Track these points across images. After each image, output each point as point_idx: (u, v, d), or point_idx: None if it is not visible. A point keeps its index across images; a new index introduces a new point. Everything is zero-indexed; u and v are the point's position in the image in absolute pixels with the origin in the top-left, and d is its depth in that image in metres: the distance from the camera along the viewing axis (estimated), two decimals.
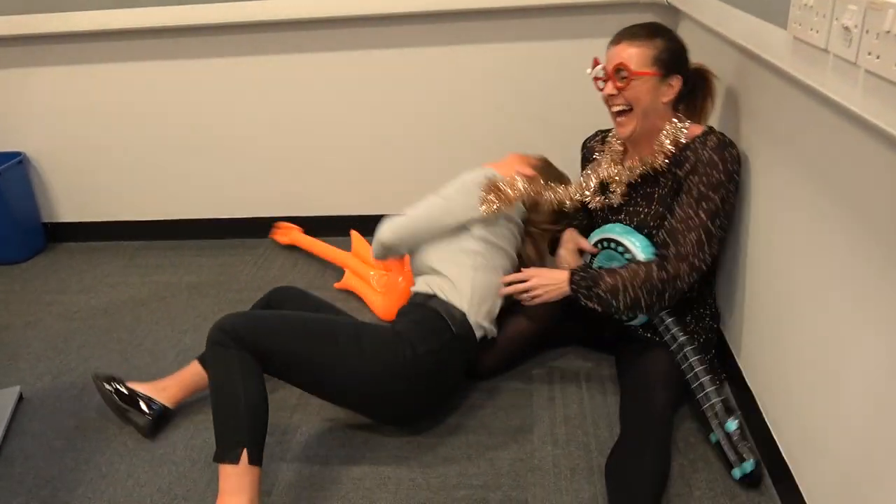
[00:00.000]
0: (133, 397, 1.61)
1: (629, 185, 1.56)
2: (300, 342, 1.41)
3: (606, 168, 1.59)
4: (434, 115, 2.36)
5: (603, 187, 1.61)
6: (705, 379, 1.45)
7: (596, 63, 1.51)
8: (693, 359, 1.47)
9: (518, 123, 2.34)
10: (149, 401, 1.61)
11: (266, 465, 1.51)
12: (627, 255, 1.50)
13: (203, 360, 1.65)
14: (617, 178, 1.56)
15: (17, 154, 2.53)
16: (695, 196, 1.41)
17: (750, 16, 1.30)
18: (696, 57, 1.51)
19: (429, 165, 2.44)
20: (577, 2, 2.10)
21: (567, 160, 1.83)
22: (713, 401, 1.43)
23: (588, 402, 1.65)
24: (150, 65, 2.39)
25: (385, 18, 2.22)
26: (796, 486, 1.25)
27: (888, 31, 0.78)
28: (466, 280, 1.58)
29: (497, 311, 1.66)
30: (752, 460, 1.36)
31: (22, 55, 2.41)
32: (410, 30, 2.23)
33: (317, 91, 2.37)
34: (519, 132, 2.35)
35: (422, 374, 1.48)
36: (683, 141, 1.46)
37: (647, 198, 1.54)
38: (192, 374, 1.66)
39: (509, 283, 1.60)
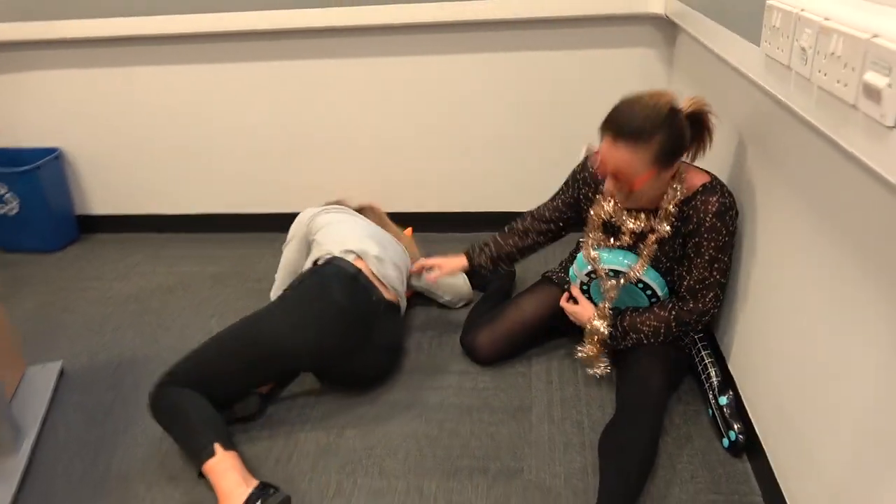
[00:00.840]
0: None
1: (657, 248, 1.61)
2: (212, 352, 1.63)
3: (611, 211, 1.64)
4: (447, 117, 2.50)
5: (608, 227, 1.68)
6: (709, 361, 1.63)
7: (590, 150, 1.54)
8: (700, 343, 1.65)
9: (522, 127, 2.47)
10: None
11: (287, 435, 1.66)
12: (649, 292, 1.63)
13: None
14: (627, 226, 1.61)
15: (54, 150, 2.70)
16: (707, 259, 1.52)
17: (733, 33, 1.44)
18: (688, 70, 1.64)
19: (441, 164, 2.58)
20: (582, 15, 2.23)
21: (567, 163, 1.96)
22: (712, 379, 1.60)
23: (583, 385, 1.78)
24: (178, 69, 2.54)
25: (404, 27, 2.36)
26: (769, 463, 1.38)
27: (832, 53, 0.91)
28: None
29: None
30: (737, 430, 1.50)
31: (60, 58, 2.57)
32: (427, 39, 2.37)
33: (334, 94, 2.51)
34: (523, 134, 2.49)
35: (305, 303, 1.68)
36: (682, 197, 1.52)
37: (663, 249, 1.60)
38: None
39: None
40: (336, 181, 2.66)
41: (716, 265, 1.53)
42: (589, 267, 1.67)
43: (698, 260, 1.53)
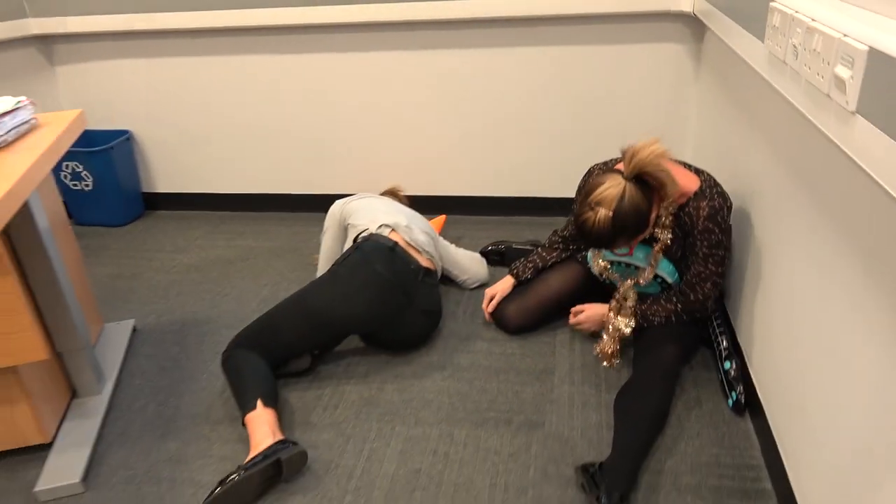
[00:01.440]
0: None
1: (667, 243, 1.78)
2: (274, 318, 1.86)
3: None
4: (488, 108, 2.67)
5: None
6: (719, 331, 1.81)
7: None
8: (713, 315, 1.84)
9: (558, 117, 2.63)
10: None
11: (334, 387, 1.86)
12: (658, 279, 1.83)
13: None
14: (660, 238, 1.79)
15: (126, 132, 2.95)
16: (701, 256, 1.70)
17: (744, 30, 1.57)
18: (714, 64, 1.77)
19: (480, 152, 2.75)
20: (616, 12, 2.36)
21: (600, 153, 2.11)
22: (721, 346, 1.78)
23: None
24: (239, 59, 2.76)
25: (449, 23, 2.53)
26: (768, 423, 1.53)
27: (814, 49, 1.05)
28: None
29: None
30: (738, 391, 1.67)
31: (132, 48, 2.82)
32: (470, 34, 2.54)
33: (383, 85, 2.70)
34: (558, 124, 2.64)
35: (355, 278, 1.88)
36: (677, 205, 1.69)
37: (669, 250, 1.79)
38: None
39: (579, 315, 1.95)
40: (382, 165, 2.85)
41: (710, 260, 1.70)
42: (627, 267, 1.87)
43: (694, 258, 1.71)
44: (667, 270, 1.80)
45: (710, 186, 1.68)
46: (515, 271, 2.10)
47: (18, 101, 1.71)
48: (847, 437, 1.12)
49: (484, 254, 2.43)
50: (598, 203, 1.57)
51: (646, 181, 1.59)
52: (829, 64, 0.99)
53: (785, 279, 1.44)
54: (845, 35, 0.95)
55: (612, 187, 1.56)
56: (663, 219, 1.71)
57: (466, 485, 1.53)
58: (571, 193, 1.99)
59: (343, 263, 1.93)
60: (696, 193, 1.68)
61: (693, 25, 2.38)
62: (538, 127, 2.66)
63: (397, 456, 1.62)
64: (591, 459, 1.56)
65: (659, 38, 2.43)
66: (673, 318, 1.79)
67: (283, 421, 1.73)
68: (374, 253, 1.92)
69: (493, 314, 2.09)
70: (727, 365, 1.73)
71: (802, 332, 1.33)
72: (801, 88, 1.14)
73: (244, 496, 1.50)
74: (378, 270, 1.87)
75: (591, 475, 1.46)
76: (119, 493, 1.57)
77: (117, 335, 2.12)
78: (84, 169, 2.85)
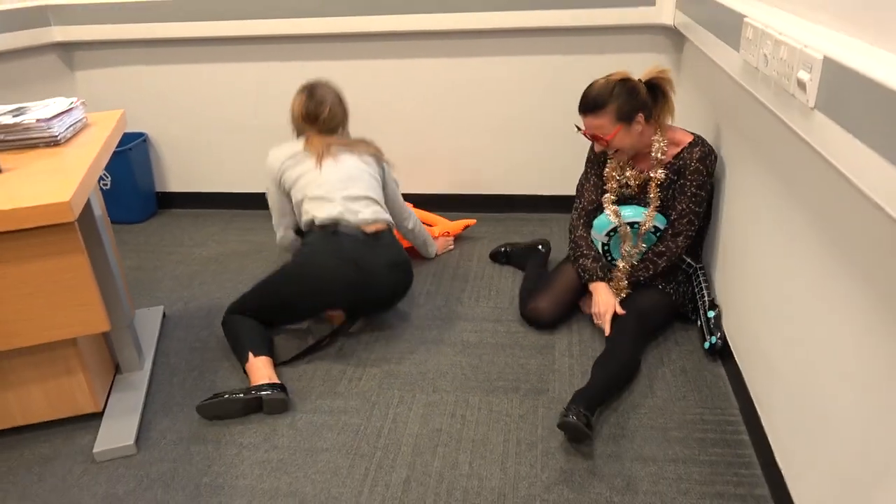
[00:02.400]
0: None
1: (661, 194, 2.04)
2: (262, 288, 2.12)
3: (622, 171, 2.08)
4: (492, 109, 2.88)
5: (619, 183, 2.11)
6: (704, 284, 2.07)
7: (580, 130, 2.00)
8: (700, 272, 2.11)
9: (553, 120, 2.85)
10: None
11: (357, 363, 2.05)
12: (659, 234, 2.07)
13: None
14: (632, 181, 2.06)
15: (142, 134, 3.11)
16: (688, 195, 1.98)
17: (721, 41, 1.80)
18: (693, 71, 2.01)
19: (485, 153, 2.97)
20: (604, 24, 2.60)
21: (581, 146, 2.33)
22: (705, 297, 2.03)
23: (599, 331, 2.15)
24: (249, 65, 2.95)
25: (452, 33, 2.75)
26: (738, 368, 1.76)
27: (781, 57, 1.28)
28: None
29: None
30: (717, 335, 1.94)
31: (148, 55, 2.99)
32: (469, 43, 2.76)
33: (393, 89, 2.90)
34: (554, 124, 2.86)
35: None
36: (668, 149, 1.99)
37: (667, 194, 2.03)
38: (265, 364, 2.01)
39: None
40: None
41: (694, 199, 1.98)
42: (608, 227, 2.08)
43: (682, 196, 1.98)
44: (663, 224, 2.06)
45: (701, 140, 2.00)
46: (594, 275, 2.12)
47: (72, 102, 1.89)
48: (814, 385, 1.34)
49: (492, 256, 2.61)
50: (617, 73, 1.94)
51: (653, 90, 1.95)
52: (793, 69, 1.22)
53: (750, 241, 1.67)
54: (806, 46, 1.18)
55: (625, 73, 1.94)
56: (656, 155, 1.99)
57: (483, 441, 1.73)
58: (564, 191, 2.21)
59: (310, 245, 2.09)
60: (690, 143, 1.99)
61: (674, 37, 2.62)
62: (533, 129, 2.89)
63: (419, 419, 1.82)
64: (592, 418, 1.77)
65: (643, 48, 2.67)
66: (665, 263, 2.04)
67: (312, 390, 1.92)
68: (320, 243, 2.06)
69: (525, 311, 2.17)
70: (710, 313, 1.99)
71: (770, 301, 1.56)
72: (771, 90, 1.37)
73: (227, 412, 1.85)
74: (324, 263, 2.03)
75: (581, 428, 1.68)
76: (168, 453, 1.74)
77: (149, 320, 2.29)
78: (103, 169, 3.00)
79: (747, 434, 1.70)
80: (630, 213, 2.07)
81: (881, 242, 1.06)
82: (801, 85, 1.18)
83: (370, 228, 2.10)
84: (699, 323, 2.06)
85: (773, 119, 1.53)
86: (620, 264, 2.11)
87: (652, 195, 2.03)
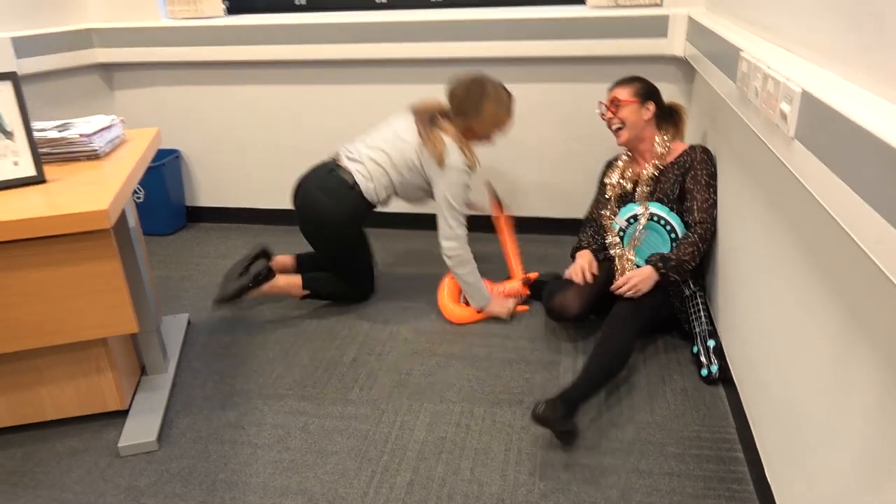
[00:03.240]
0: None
1: (651, 186, 2.23)
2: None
3: (626, 171, 2.31)
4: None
5: (621, 197, 2.31)
6: (703, 311, 2.13)
7: (600, 104, 2.28)
8: (699, 297, 2.17)
9: (569, 143, 2.95)
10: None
11: (367, 373, 2.14)
12: (668, 227, 2.18)
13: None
14: (639, 177, 2.27)
15: (175, 151, 3.28)
16: (704, 184, 2.16)
17: (722, 73, 1.89)
18: (701, 101, 2.09)
19: (500, 176, 3.07)
20: (619, 55, 2.70)
21: (592, 171, 2.43)
22: (703, 324, 2.09)
23: None
24: (277, 88, 3.10)
25: (476, 61, 2.87)
26: (740, 401, 1.81)
27: (768, 90, 1.36)
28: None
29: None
30: (717, 365, 2.00)
31: (182, 76, 3.16)
32: (492, 70, 2.88)
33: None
34: (568, 148, 2.96)
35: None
36: (669, 149, 2.23)
37: (664, 189, 2.20)
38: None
39: (620, 286, 2.12)
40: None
41: (711, 188, 2.16)
42: (626, 215, 2.25)
43: (698, 186, 2.13)
44: (674, 219, 2.17)
45: (703, 147, 2.22)
46: (582, 246, 2.38)
47: (112, 119, 2.03)
48: (804, 409, 1.40)
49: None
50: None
51: (671, 112, 2.30)
52: (777, 101, 1.30)
53: (744, 263, 1.73)
54: (788, 80, 1.26)
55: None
56: (659, 148, 2.22)
57: (485, 449, 1.80)
58: (575, 214, 2.30)
59: None
60: (691, 146, 2.23)
61: (684, 68, 2.71)
62: (548, 154, 2.98)
63: (425, 427, 1.90)
64: (589, 434, 1.84)
65: (655, 78, 2.73)
66: (697, 253, 2.10)
67: (326, 397, 2.02)
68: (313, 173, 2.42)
69: (553, 303, 2.20)
70: (711, 343, 2.05)
71: (765, 325, 1.62)
72: (760, 119, 1.45)
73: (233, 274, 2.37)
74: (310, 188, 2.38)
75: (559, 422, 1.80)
76: (188, 450, 1.84)
77: (175, 326, 2.41)
78: (138, 183, 3.16)
79: (742, 452, 1.75)
80: (626, 210, 2.27)
81: (859, 271, 1.13)
82: (784, 116, 1.26)
83: (341, 164, 2.35)
84: (695, 349, 2.10)
85: (764, 147, 1.61)
86: (627, 254, 2.23)
87: (644, 187, 2.23)
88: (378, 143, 2.35)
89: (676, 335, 2.25)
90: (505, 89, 2.30)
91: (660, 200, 2.20)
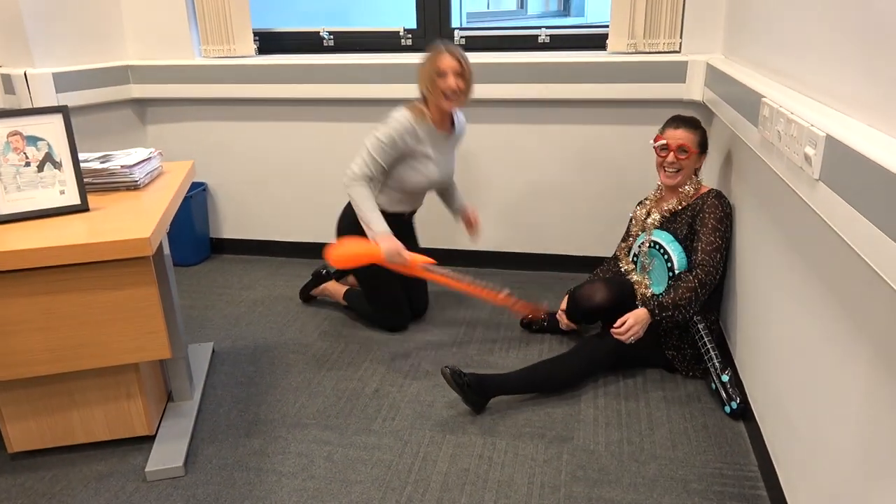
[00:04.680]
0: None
1: (665, 217, 2.33)
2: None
3: (652, 207, 2.43)
4: (531, 173, 3.06)
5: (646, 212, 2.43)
6: (711, 346, 2.15)
7: (659, 138, 2.30)
8: (703, 332, 2.20)
9: (589, 188, 3.01)
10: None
11: (390, 405, 2.17)
12: (665, 256, 2.24)
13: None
14: (659, 208, 2.37)
15: (202, 184, 3.36)
16: (710, 228, 2.18)
17: (742, 117, 1.95)
18: (718, 144, 2.15)
19: (518, 213, 3.13)
20: (639, 98, 2.78)
21: (619, 211, 2.47)
22: (714, 360, 2.12)
23: (622, 383, 2.24)
24: (300, 125, 3.19)
25: (497, 102, 2.95)
26: (762, 437, 1.82)
27: (792, 135, 1.42)
28: None
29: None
30: (737, 400, 2.01)
31: (211, 112, 3.26)
32: (514, 112, 2.96)
33: None
34: (587, 188, 3.02)
35: None
36: (695, 190, 2.30)
37: (674, 224, 2.29)
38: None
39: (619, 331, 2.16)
40: (424, 222, 3.22)
41: (718, 232, 2.18)
42: (639, 242, 2.37)
43: (704, 229, 2.17)
44: (675, 251, 2.23)
45: (718, 191, 2.28)
46: (592, 277, 2.55)
47: (150, 152, 2.11)
48: (831, 447, 1.42)
49: (525, 325, 2.65)
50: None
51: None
52: (801, 145, 1.35)
53: (775, 314, 1.76)
54: (812, 125, 1.32)
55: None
56: (685, 190, 2.30)
57: (508, 482, 1.82)
58: (592, 252, 2.36)
59: None
60: (708, 191, 2.29)
61: (702, 112, 2.78)
62: (568, 193, 3.04)
63: (448, 458, 1.92)
64: (612, 469, 1.85)
65: (685, 117, 2.82)
66: (693, 298, 2.12)
67: (349, 427, 2.05)
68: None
69: (581, 291, 2.31)
70: (724, 378, 2.08)
71: (788, 362, 1.65)
72: (784, 162, 1.50)
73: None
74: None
75: (456, 378, 2.06)
76: (214, 477, 1.86)
77: (200, 354, 2.45)
78: None
79: (765, 490, 1.76)
80: (641, 237, 2.39)
81: (886, 309, 1.16)
82: (808, 159, 1.31)
83: None
84: (713, 385, 2.12)
85: (786, 189, 1.66)
86: (644, 280, 2.35)
87: (657, 215, 2.34)
88: None
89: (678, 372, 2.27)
90: (438, 49, 2.39)
91: (670, 232, 2.29)
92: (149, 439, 1.99)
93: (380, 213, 2.42)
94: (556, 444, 1.96)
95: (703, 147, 2.29)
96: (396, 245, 2.35)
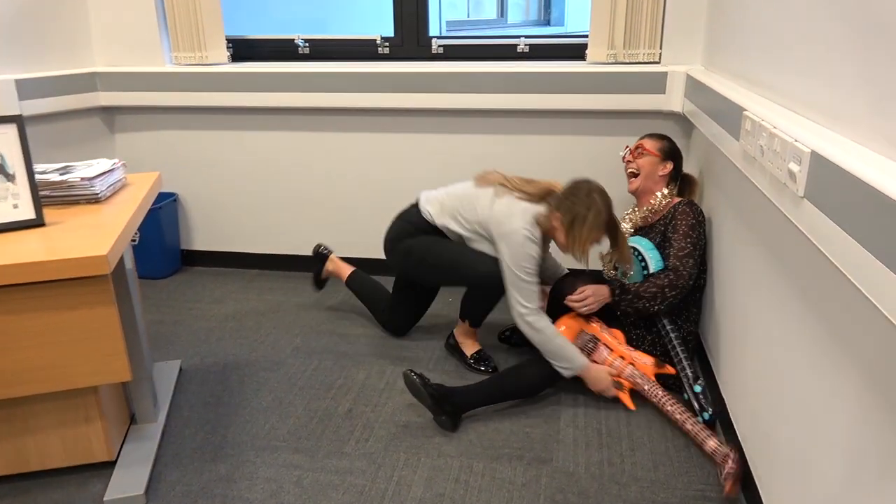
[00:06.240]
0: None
1: (638, 227, 2.42)
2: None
3: (626, 217, 2.45)
4: None
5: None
6: (683, 356, 2.14)
7: (626, 147, 2.43)
8: (676, 342, 2.18)
9: None
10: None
11: (363, 425, 2.09)
12: (643, 263, 2.23)
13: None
14: (634, 221, 2.43)
15: (172, 194, 3.27)
16: (682, 233, 2.20)
17: (723, 130, 1.91)
18: (698, 155, 2.12)
19: None
20: (619, 109, 2.74)
21: None
22: (687, 370, 2.10)
23: (602, 404, 2.18)
24: (273, 134, 3.11)
25: (474, 112, 2.90)
26: (740, 443, 1.77)
27: (775, 150, 1.38)
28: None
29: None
30: (709, 411, 2.01)
31: (181, 121, 3.17)
32: (495, 122, 2.91)
33: (409, 161, 3.04)
34: None
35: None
36: (666, 202, 2.34)
37: (649, 235, 2.33)
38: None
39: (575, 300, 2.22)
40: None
41: (689, 238, 2.19)
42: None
43: (676, 235, 2.18)
44: (650, 253, 2.24)
45: (689, 199, 2.33)
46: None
47: (113, 163, 2.02)
48: (815, 470, 1.37)
49: (503, 339, 2.60)
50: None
51: (684, 180, 2.46)
52: (785, 160, 1.31)
53: (755, 330, 1.72)
54: (796, 140, 1.27)
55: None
56: (657, 200, 2.35)
57: None
58: (571, 264, 2.29)
59: None
60: (681, 201, 2.32)
61: (682, 123, 2.75)
62: None
63: (423, 482, 1.84)
64: (592, 493, 1.79)
65: (654, 132, 2.79)
66: (658, 296, 2.14)
67: (320, 449, 1.97)
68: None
69: (558, 283, 2.37)
70: (697, 388, 2.07)
71: (767, 378, 1.60)
72: (766, 178, 1.46)
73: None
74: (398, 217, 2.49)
75: (422, 384, 2.04)
76: None
77: (166, 373, 2.35)
78: None
79: None
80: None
81: (872, 330, 1.12)
82: (792, 175, 1.26)
83: (428, 218, 2.39)
84: (685, 396, 2.11)
85: (768, 204, 1.62)
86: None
87: (628, 225, 2.42)
88: (453, 191, 2.41)
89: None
90: (601, 213, 2.12)
91: (649, 240, 2.29)
92: (109, 465, 1.89)
93: (573, 345, 2.15)
94: (535, 466, 1.90)
95: (666, 154, 2.35)
96: (605, 375, 2.15)
